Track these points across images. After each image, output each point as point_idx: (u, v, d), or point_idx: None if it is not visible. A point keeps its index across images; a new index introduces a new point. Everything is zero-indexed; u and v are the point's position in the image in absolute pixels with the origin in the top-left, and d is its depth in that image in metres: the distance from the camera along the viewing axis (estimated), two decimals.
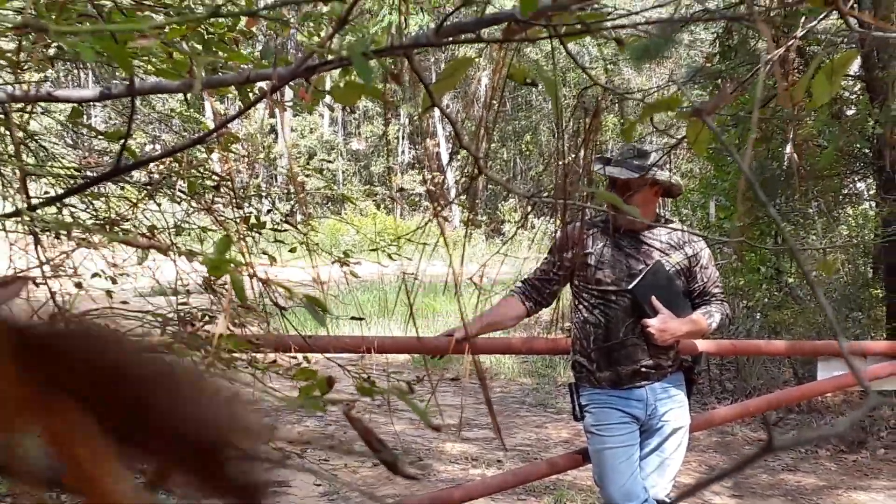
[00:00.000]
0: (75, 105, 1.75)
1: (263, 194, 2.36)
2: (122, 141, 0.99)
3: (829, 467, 6.25)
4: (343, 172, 32.56)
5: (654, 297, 3.24)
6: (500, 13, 0.82)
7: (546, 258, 3.49)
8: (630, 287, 3.26)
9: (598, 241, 3.37)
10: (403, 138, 34.09)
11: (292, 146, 29.43)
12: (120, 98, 0.86)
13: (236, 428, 0.27)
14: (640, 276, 3.27)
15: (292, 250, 2.29)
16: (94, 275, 1.77)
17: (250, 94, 2.28)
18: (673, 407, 3.37)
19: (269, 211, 2.29)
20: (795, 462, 6.38)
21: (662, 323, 3.22)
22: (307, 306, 0.80)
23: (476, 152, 0.91)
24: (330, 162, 31.18)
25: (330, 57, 0.77)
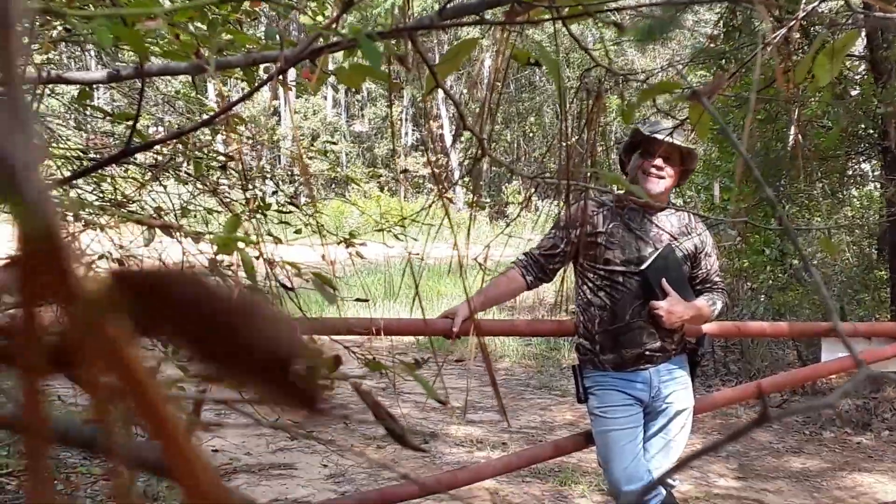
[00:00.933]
0: (83, 87, 1.75)
1: (268, 176, 2.36)
2: (133, 123, 1.00)
3: (833, 449, 6.27)
4: (346, 154, 32.55)
5: (664, 280, 3.24)
6: None
7: (552, 232, 3.45)
8: (643, 268, 3.25)
9: (608, 221, 3.35)
10: (407, 120, 34.05)
11: (296, 128, 29.39)
12: (129, 80, 0.87)
13: (298, 347, 0.33)
14: (653, 258, 3.26)
15: (297, 231, 2.30)
16: (101, 256, 1.79)
17: (255, 75, 2.29)
18: (677, 389, 3.38)
19: (274, 192, 2.29)
20: (800, 444, 6.40)
21: (671, 305, 3.22)
22: (317, 285, 0.81)
23: (480, 134, 0.92)
24: (334, 143, 31.13)
25: (335, 39, 0.77)
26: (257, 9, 2.73)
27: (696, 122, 1.06)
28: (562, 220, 3.45)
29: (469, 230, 1.54)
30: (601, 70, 1.15)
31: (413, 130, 34.54)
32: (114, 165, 2.14)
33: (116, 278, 0.33)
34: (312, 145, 29.74)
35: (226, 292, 0.33)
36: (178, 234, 1.41)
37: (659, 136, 3.19)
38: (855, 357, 0.43)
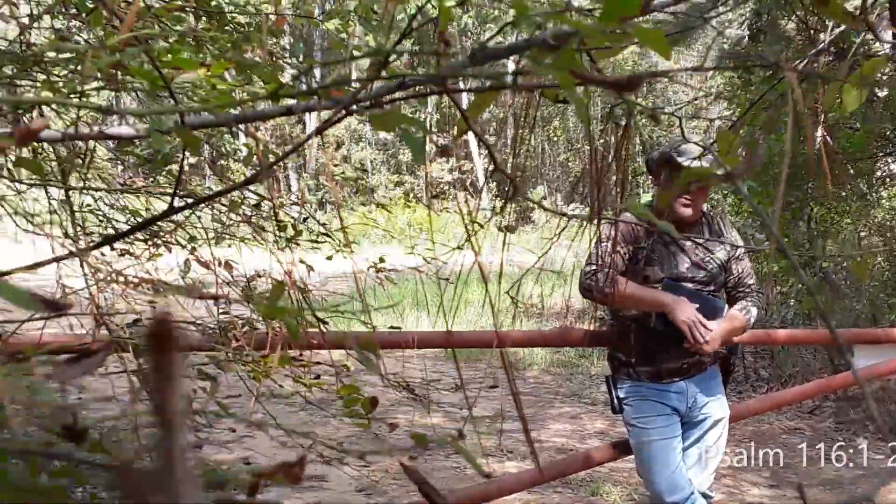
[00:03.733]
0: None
1: (299, 202, 2.40)
2: (177, 178, 1.02)
3: (868, 456, 6.20)
4: (371, 162, 32.62)
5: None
6: (533, 39, 0.83)
7: (596, 248, 3.35)
8: (652, 326, 3.24)
9: (648, 237, 3.36)
10: (431, 127, 34.09)
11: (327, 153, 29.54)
12: (168, 133, 0.89)
13: None
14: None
15: (329, 258, 2.33)
16: (136, 285, 1.82)
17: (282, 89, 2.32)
18: (712, 399, 3.37)
19: (305, 219, 2.32)
20: (833, 451, 6.34)
21: (708, 336, 3.18)
22: (359, 353, 0.82)
23: (513, 174, 0.93)
24: (363, 179, 31.17)
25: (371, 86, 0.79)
26: (282, 27, 2.76)
27: (725, 151, 1.06)
28: (603, 238, 3.41)
29: (504, 246, 1.55)
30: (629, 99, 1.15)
31: (437, 136, 34.55)
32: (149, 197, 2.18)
33: None
34: (336, 152, 29.90)
35: None
36: (212, 265, 1.43)
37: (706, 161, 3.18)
38: None
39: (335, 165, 30.30)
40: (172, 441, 0.35)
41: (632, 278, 3.32)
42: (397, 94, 0.86)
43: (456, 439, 0.70)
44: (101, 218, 2.05)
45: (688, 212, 3.29)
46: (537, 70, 0.65)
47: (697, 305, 3.20)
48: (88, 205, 2.06)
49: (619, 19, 0.65)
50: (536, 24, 0.79)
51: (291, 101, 0.84)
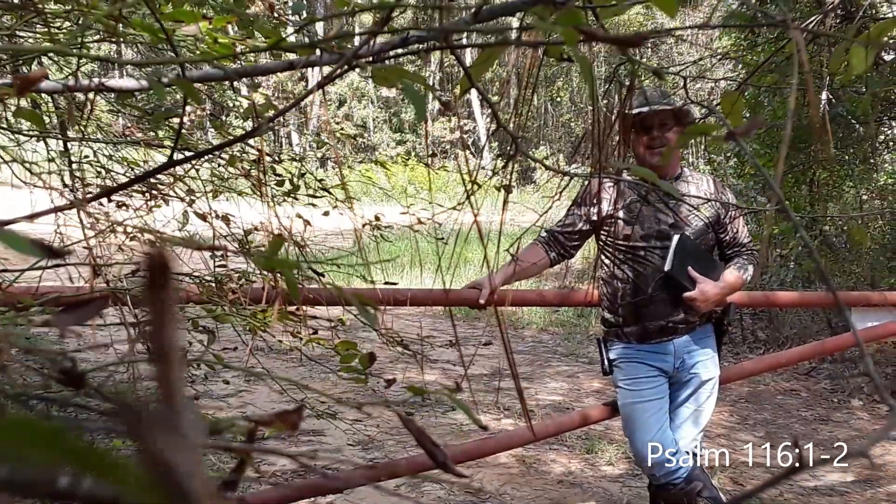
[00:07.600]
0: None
1: (297, 158, 2.38)
2: (177, 133, 1.01)
3: (861, 417, 6.25)
4: (374, 120, 32.45)
5: (689, 269, 3.23)
6: None
7: (571, 210, 3.47)
8: (666, 270, 3.24)
9: (626, 196, 3.35)
10: (434, 84, 33.83)
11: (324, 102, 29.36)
12: (170, 87, 0.88)
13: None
14: (671, 256, 3.24)
15: (326, 214, 2.33)
16: (132, 237, 1.82)
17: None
18: (702, 359, 3.38)
19: (302, 175, 2.31)
20: (828, 412, 6.39)
21: (702, 293, 3.21)
22: (358, 307, 0.82)
23: (515, 132, 0.92)
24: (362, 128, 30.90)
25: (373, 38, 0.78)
26: None
27: (728, 112, 1.06)
28: (580, 198, 3.46)
29: (504, 206, 1.55)
30: (632, 63, 1.15)
31: (440, 95, 34.30)
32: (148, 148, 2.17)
33: None
34: (339, 110, 29.75)
35: None
36: (210, 217, 1.43)
37: (643, 109, 3.21)
38: None
39: (336, 123, 30.14)
40: (170, 375, 0.35)
41: (613, 237, 3.35)
42: (400, 50, 0.85)
43: (453, 391, 0.71)
44: (98, 169, 2.04)
45: (655, 160, 3.26)
46: (542, 27, 0.64)
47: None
48: (86, 156, 2.05)
49: None
50: None
51: (293, 56, 0.83)
